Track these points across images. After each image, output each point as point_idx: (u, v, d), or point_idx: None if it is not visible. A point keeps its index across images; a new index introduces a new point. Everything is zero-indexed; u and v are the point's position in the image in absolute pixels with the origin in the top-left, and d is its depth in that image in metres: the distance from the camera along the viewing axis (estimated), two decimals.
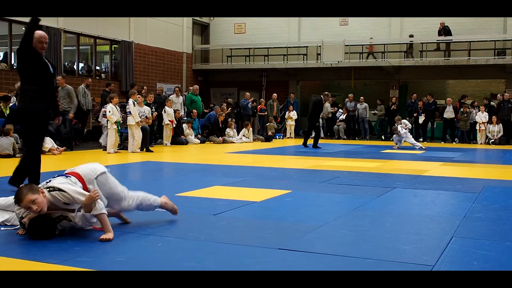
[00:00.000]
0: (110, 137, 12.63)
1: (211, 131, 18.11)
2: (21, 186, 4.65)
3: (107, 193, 4.42)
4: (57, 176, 4.35)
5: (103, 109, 14.68)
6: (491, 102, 20.16)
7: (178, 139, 16.21)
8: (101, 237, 4.16)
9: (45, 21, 17.11)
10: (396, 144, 15.90)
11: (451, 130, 20.37)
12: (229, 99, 22.49)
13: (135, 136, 12.83)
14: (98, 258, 3.78)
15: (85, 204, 4.17)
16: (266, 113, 21.34)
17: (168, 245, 4.13)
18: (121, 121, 12.95)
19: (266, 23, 25.37)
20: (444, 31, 21.84)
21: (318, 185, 7.62)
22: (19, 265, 3.61)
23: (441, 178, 8.62)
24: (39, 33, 6.20)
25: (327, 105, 20.41)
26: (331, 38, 23.36)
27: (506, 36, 21.86)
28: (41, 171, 6.42)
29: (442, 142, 19.83)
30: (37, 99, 6.21)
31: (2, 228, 4.53)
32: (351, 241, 4.33)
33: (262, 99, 22.61)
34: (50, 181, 4.28)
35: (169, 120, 15.55)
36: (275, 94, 22.37)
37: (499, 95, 20.30)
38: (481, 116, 18.99)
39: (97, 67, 21.40)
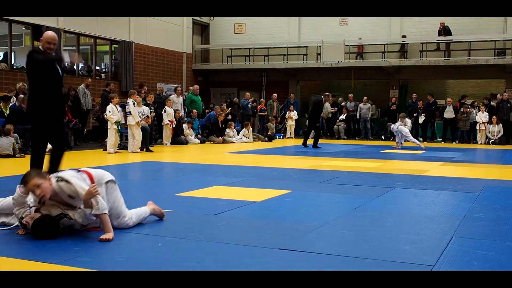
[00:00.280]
0: (110, 137, 12.64)
1: (211, 131, 18.10)
2: (29, 170, 4.66)
3: (110, 204, 4.43)
4: (68, 170, 4.37)
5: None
6: (491, 102, 20.15)
7: (178, 139, 16.21)
8: (101, 237, 4.16)
9: (45, 21, 17.27)
10: (397, 143, 15.91)
11: (452, 130, 20.36)
12: (235, 99, 22.51)
13: (135, 136, 12.83)
14: (98, 258, 3.78)
15: (84, 200, 4.17)
16: (266, 113, 21.33)
17: (168, 245, 4.13)
18: (122, 121, 12.96)
19: (266, 23, 25.37)
20: (444, 31, 21.85)
21: (318, 185, 7.63)
22: (19, 265, 3.61)
23: (441, 178, 8.62)
24: (48, 34, 6.23)
25: (327, 105, 20.41)
26: (331, 38, 23.36)
27: (506, 36, 21.86)
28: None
29: (442, 142, 19.82)
30: (44, 101, 6.25)
31: (1, 229, 4.53)
32: (351, 241, 4.33)
33: (262, 99, 22.59)
34: (60, 172, 4.30)
35: (169, 120, 15.54)
36: (275, 94, 22.36)
37: (498, 95, 20.30)
38: (481, 116, 18.98)
39: (97, 67, 21.40)
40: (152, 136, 15.02)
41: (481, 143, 18.81)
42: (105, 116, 12.99)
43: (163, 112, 15.67)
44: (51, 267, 3.54)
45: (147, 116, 13.69)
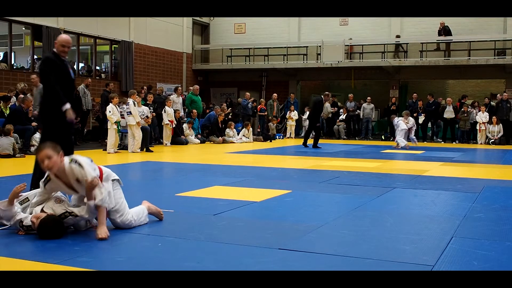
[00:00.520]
0: (110, 137, 12.64)
1: (211, 131, 18.10)
2: (46, 142, 4.69)
3: (115, 201, 4.47)
4: (83, 157, 4.43)
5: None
6: (491, 102, 20.16)
7: (178, 139, 16.20)
8: (97, 234, 4.16)
9: (45, 21, 17.26)
10: (397, 143, 15.90)
11: (451, 130, 20.35)
12: (239, 99, 22.52)
13: (136, 136, 12.83)
14: (98, 258, 3.78)
15: (87, 188, 4.21)
16: (266, 113, 21.33)
17: (168, 245, 4.13)
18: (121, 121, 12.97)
19: (266, 23, 25.37)
20: (444, 31, 21.85)
21: (318, 185, 7.63)
22: (19, 265, 3.61)
23: (441, 178, 8.62)
24: (63, 37, 6.25)
25: (327, 105, 20.40)
26: (331, 38, 23.36)
27: (506, 36, 21.87)
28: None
29: (442, 142, 19.82)
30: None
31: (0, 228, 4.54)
32: (351, 241, 4.33)
33: (262, 99, 22.59)
34: (75, 156, 4.37)
35: (169, 120, 15.54)
36: (275, 94, 22.36)
37: (498, 95, 20.31)
38: (481, 116, 18.98)
39: (97, 67, 21.40)
40: (152, 136, 15.03)
41: (481, 143, 18.80)
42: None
43: (163, 112, 15.66)
44: (51, 267, 3.54)
45: (147, 116, 13.69)
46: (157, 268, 3.48)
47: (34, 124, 12.80)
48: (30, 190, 5.13)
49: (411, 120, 16.60)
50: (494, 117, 18.65)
